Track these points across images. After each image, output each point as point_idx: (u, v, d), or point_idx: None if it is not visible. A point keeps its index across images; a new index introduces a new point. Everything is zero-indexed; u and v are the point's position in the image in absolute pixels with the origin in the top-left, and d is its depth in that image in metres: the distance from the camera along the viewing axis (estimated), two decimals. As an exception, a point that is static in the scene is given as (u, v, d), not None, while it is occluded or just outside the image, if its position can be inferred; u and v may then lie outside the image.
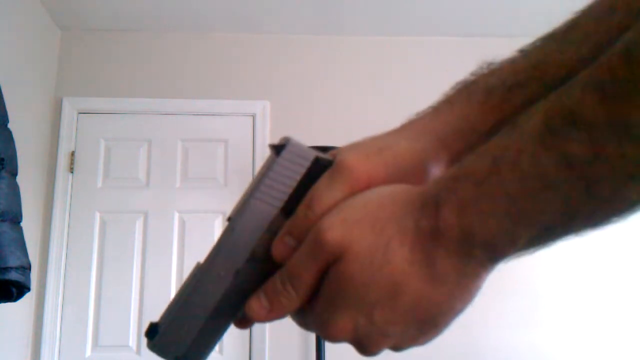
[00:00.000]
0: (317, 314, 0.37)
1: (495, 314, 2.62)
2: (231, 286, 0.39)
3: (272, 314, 0.38)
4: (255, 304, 0.38)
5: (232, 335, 2.61)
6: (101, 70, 2.85)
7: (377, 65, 2.95)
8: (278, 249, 0.38)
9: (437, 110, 0.43)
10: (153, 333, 0.40)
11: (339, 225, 0.35)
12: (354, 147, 0.40)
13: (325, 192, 0.38)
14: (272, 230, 0.39)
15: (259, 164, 2.76)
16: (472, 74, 0.44)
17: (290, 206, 0.39)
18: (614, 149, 0.26)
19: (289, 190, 0.39)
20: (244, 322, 0.42)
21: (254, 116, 2.84)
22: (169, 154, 2.78)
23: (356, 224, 0.34)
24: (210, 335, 0.40)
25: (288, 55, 2.94)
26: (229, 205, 2.70)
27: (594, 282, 2.72)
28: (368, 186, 0.38)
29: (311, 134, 2.68)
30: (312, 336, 2.57)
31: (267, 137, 2.80)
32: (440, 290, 0.33)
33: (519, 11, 2.74)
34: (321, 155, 0.40)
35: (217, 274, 0.39)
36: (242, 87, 2.87)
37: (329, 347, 2.44)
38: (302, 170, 0.39)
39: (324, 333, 0.37)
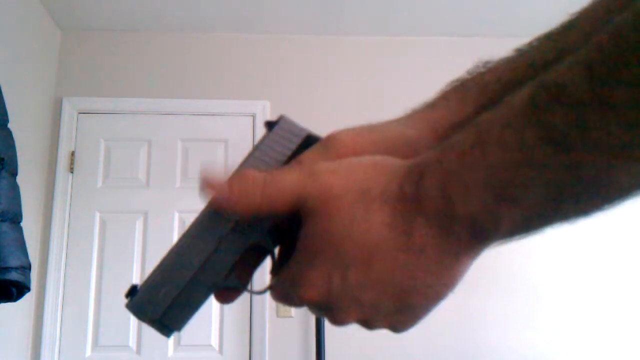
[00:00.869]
0: (291, 270, 0.36)
1: (495, 314, 2.62)
2: (213, 254, 0.39)
3: (232, 199, 0.37)
4: (217, 182, 0.38)
5: (232, 335, 2.61)
6: (101, 70, 2.85)
7: (377, 65, 2.95)
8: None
9: (432, 105, 0.44)
10: (132, 294, 0.40)
11: (333, 174, 0.35)
12: (347, 127, 0.41)
13: (312, 158, 0.38)
14: None
15: (259, 164, 2.76)
16: (468, 72, 0.44)
17: None
18: (598, 126, 0.25)
19: (279, 164, 0.40)
20: (226, 296, 0.41)
21: (254, 116, 2.84)
22: (169, 154, 2.78)
23: (345, 177, 0.34)
24: (188, 303, 0.40)
25: (288, 55, 2.94)
26: (229, 205, 2.69)
27: (594, 282, 2.72)
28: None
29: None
30: (312, 337, 2.57)
31: (267, 137, 2.80)
32: (416, 262, 0.33)
33: (518, 11, 2.74)
34: (313, 133, 0.41)
35: (200, 240, 0.39)
36: (242, 87, 2.87)
37: (329, 347, 2.44)
38: (293, 146, 0.40)
39: (297, 291, 0.36)
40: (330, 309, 0.36)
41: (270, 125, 0.41)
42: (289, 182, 0.35)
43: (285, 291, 0.38)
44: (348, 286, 0.34)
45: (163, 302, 0.39)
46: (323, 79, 2.91)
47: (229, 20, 2.83)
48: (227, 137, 2.82)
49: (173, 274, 0.39)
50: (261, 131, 2.80)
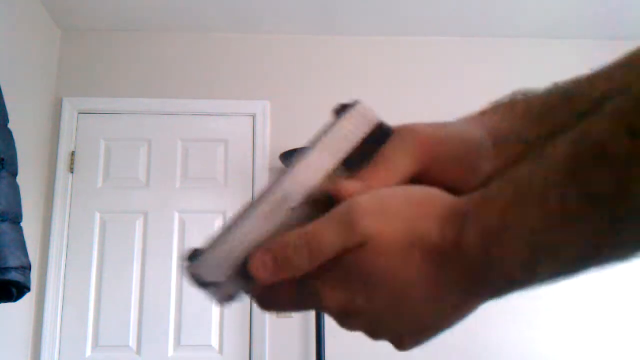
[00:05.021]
0: (317, 283, 0.36)
1: (496, 310, 2.61)
2: (282, 223, 0.38)
3: (277, 274, 0.36)
4: (259, 259, 0.37)
5: (232, 335, 2.61)
6: (101, 70, 2.85)
7: (377, 65, 2.95)
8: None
9: (483, 113, 0.45)
10: (193, 258, 0.38)
11: (376, 215, 0.34)
12: (415, 123, 0.42)
13: (392, 154, 0.39)
14: (332, 179, 0.40)
15: (259, 164, 2.76)
16: (506, 97, 0.45)
17: (350, 160, 0.40)
18: (638, 181, 0.25)
19: (351, 145, 0.41)
20: None
21: (254, 116, 2.84)
22: (169, 154, 2.78)
23: (392, 218, 0.34)
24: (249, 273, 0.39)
25: (288, 55, 2.94)
26: (229, 205, 2.70)
27: (595, 281, 2.71)
28: (431, 154, 0.39)
29: (311, 134, 2.68)
30: (312, 337, 2.57)
31: (267, 137, 2.80)
32: (442, 300, 0.34)
33: (520, 11, 2.74)
34: (385, 122, 0.42)
35: (271, 207, 0.38)
36: (242, 87, 2.87)
37: (329, 348, 2.44)
38: (366, 129, 0.41)
39: (318, 303, 0.36)
40: (341, 317, 0.37)
41: (344, 107, 0.41)
42: (329, 243, 0.35)
43: (303, 295, 0.38)
44: (370, 306, 0.35)
45: (223, 270, 0.38)
46: (323, 79, 2.91)
47: (229, 20, 2.83)
48: (227, 137, 2.82)
49: (238, 241, 0.38)
50: (261, 131, 2.81)
